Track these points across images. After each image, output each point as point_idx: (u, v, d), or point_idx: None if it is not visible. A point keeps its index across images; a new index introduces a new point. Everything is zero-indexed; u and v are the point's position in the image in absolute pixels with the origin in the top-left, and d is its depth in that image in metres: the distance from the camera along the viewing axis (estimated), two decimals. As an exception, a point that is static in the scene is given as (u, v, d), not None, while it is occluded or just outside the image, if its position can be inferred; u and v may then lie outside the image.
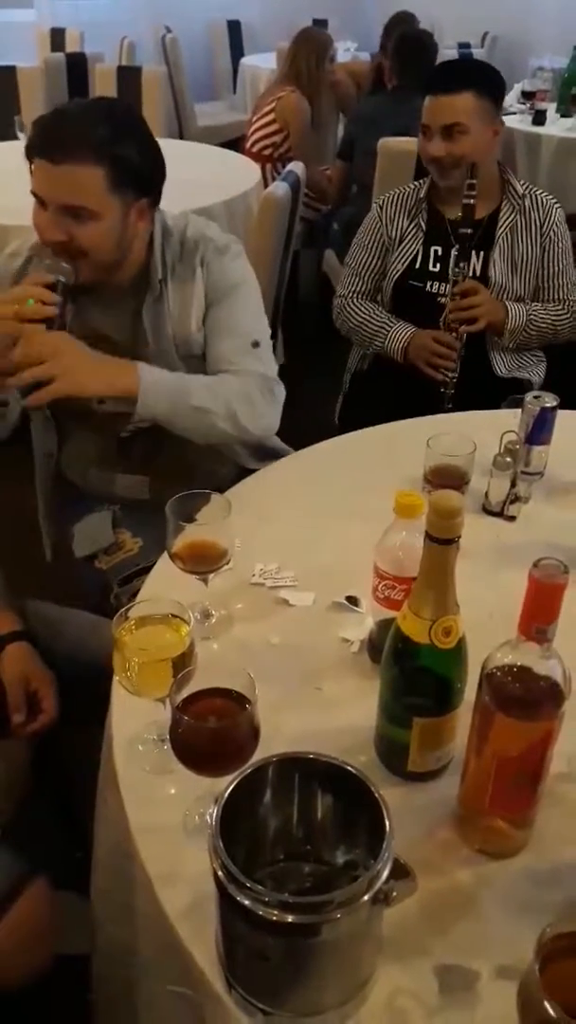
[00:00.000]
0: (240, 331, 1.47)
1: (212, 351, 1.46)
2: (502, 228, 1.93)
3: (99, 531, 1.57)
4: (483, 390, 1.88)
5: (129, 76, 4.14)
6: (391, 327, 1.96)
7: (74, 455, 1.62)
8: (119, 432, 1.54)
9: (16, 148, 3.46)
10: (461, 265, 1.87)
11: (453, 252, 1.90)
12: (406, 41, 3.46)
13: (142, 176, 1.37)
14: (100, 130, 1.31)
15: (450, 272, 1.91)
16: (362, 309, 2.02)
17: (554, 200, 1.95)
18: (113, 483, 1.60)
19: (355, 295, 2.05)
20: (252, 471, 1.48)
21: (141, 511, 1.55)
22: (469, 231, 1.86)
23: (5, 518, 1.64)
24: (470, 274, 1.92)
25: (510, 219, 1.93)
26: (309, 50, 3.76)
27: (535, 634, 0.73)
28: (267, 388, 1.44)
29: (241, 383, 1.41)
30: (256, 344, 1.47)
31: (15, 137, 3.16)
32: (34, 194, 1.33)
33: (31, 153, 1.32)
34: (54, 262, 1.33)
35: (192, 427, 1.39)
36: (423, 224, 1.96)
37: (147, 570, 1.20)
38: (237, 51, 6.13)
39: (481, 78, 1.89)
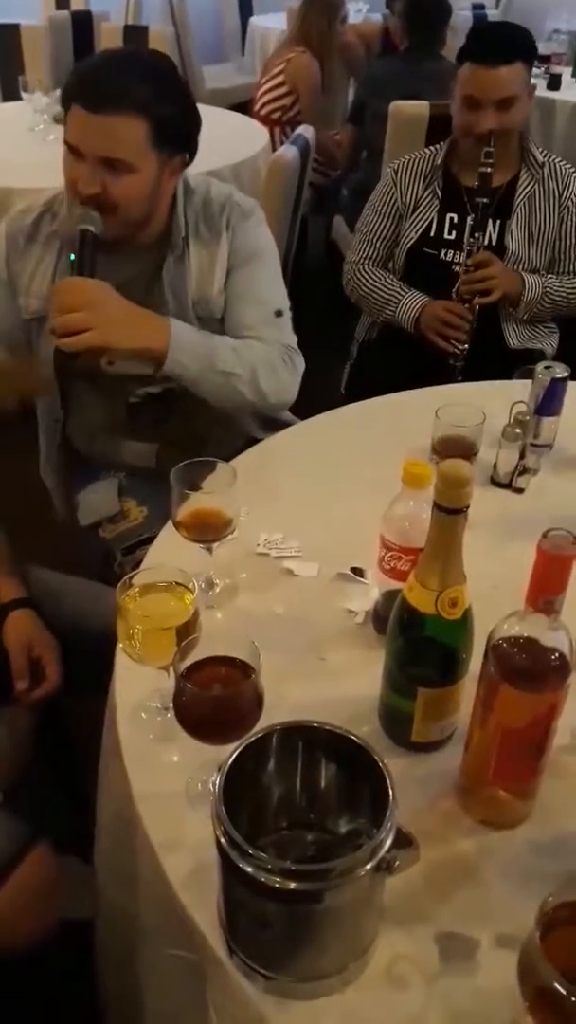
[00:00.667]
0: (263, 299, 1.47)
1: (234, 318, 1.45)
2: (520, 197, 1.89)
3: (104, 500, 1.56)
4: (495, 362, 1.86)
5: (135, 35, 4.06)
6: (403, 296, 1.93)
7: (81, 421, 1.60)
8: (128, 397, 1.53)
9: (21, 109, 3.43)
10: (476, 235, 1.85)
11: (469, 221, 1.87)
12: (416, 3, 3.37)
13: (180, 133, 1.35)
14: (145, 83, 1.29)
15: (465, 242, 1.88)
16: (373, 276, 1.99)
17: (573, 169, 1.92)
18: (120, 450, 1.59)
19: (367, 261, 2.02)
20: (259, 441, 1.47)
21: (147, 480, 1.54)
22: (485, 200, 1.83)
23: (8, 487, 1.63)
24: (486, 243, 1.89)
25: (528, 188, 1.89)
26: (320, 10, 3.67)
27: (543, 605, 0.72)
28: (289, 358, 1.45)
29: (266, 350, 1.42)
30: (279, 313, 1.48)
31: (19, 97, 3.10)
32: (68, 144, 1.30)
33: (69, 99, 1.29)
34: (84, 212, 1.31)
35: (214, 390, 1.38)
36: (439, 191, 1.93)
37: (151, 540, 1.19)
38: (246, 11, 5.98)
39: (526, 46, 1.82)
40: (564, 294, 1.91)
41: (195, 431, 1.53)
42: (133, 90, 1.27)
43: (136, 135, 1.28)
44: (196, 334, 1.37)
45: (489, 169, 1.81)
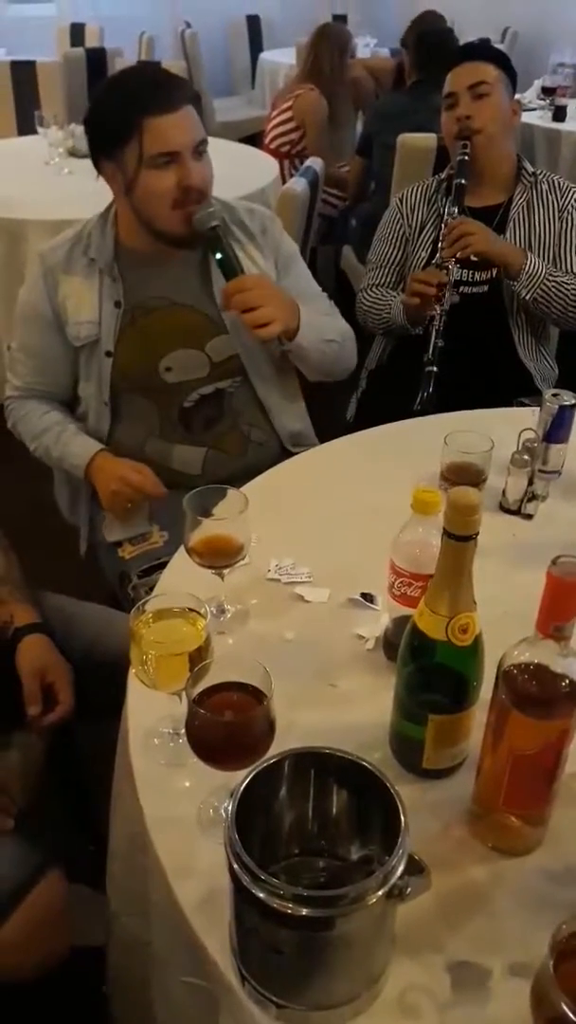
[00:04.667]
0: (316, 293, 1.67)
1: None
2: (516, 208, 1.93)
3: (135, 517, 1.57)
4: (500, 378, 1.88)
5: (148, 71, 4.14)
6: (396, 298, 1.96)
7: (132, 430, 1.61)
8: (182, 402, 1.57)
9: (36, 143, 3.50)
10: (452, 210, 1.88)
11: (447, 203, 1.90)
12: (426, 37, 3.43)
13: (202, 114, 1.47)
14: (176, 75, 1.46)
15: (443, 217, 1.90)
16: (374, 294, 2.04)
17: (573, 185, 1.95)
18: (171, 455, 1.60)
19: (373, 287, 2.06)
20: (290, 453, 1.57)
21: (176, 503, 1.56)
22: (463, 181, 1.88)
23: (22, 513, 1.65)
24: None
25: (524, 197, 1.93)
26: (330, 46, 3.75)
27: (553, 632, 0.73)
28: (352, 331, 1.69)
29: (345, 324, 1.66)
30: (330, 298, 1.68)
31: (35, 132, 3.17)
32: (162, 154, 1.37)
33: (139, 116, 1.36)
34: (204, 210, 1.42)
35: (319, 360, 1.59)
36: (443, 204, 1.95)
37: (165, 564, 1.20)
38: (256, 46, 6.12)
39: (500, 55, 1.97)
40: (568, 290, 1.87)
41: (240, 434, 1.61)
42: (180, 83, 1.44)
43: (198, 117, 1.42)
44: (308, 312, 1.53)
45: (466, 156, 1.88)
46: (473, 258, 1.88)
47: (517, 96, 1.98)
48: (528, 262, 1.85)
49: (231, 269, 1.44)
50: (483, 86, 1.87)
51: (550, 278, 1.86)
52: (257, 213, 1.59)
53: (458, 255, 1.83)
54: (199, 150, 1.40)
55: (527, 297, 1.87)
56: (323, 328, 1.57)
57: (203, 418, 1.60)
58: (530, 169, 1.95)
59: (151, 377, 1.54)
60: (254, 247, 1.56)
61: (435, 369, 1.80)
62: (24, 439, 1.64)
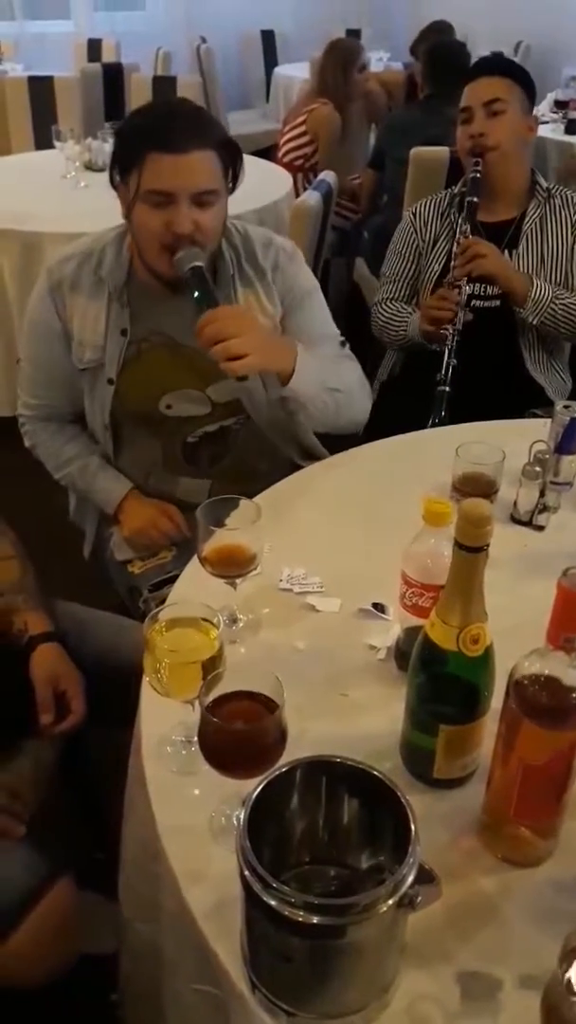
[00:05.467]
0: (328, 333, 1.56)
1: None
2: (529, 223, 1.93)
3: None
4: (511, 391, 1.88)
5: (165, 86, 4.20)
6: (413, 315, 1.97)
7: (136, 460, 1.61)
8: (186, 437, 1.56)
9: (53, 157, 3.54)
10: (465, 228, 1.88)
11: (461, 223, 1.91)
12: (438, 50, 3.46)
13: (233, 163, 1.41)
14: (207, 120, 1.38)
15: (456, 236, 1.91)
16: (390, 309, 2.05)
17: None
18: (176, 486, 1.61)
19: (388, 301, 2.07)
20: (300, 468, 1.52)
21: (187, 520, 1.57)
22: (476, 199, 1.88)
23: (37, 522, 1.66)
24: None
25: (537, 213, 1.94)
26: (336, 60, 3.79)
27: (564, 643, 0.73)
28: (365, 380, 1.57)
29: (355, 372, 1.54)
30: (344, 343, 1.56)
31: (52, 146, 3.21)
32: (155, 192, 1.33)
33: (144, 149, 1.32)
34: (186, 252, 1.35)
35: (320, 409, 1.46)
36: (456, 221, 1.97)
37: (175, 579, 1.21)
38: (271, 60, 6.18)
39: (519, 70, 1.96)
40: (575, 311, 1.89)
41: (248, 465, 1.59)
42: (204, 126, 1.36)
43: (215, 166, 1.36)
44: (309, 355, 1.42)
45: (478, 174, 1.88)
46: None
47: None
48: (534, 289, 1.86)
49: (210, 306, 1.32)
50: (498, 103, 1.87)
51: (557, 302, 1.87)
52: (274, 247, 1.51)
53: (470, 275, 1.85)
54: (203, 199, 1.34)
55: (534, 322, 1.89)
56: (326, 374, 1.45)
57: (208, 454, 1.58)
58: (544, 185, 1.95)
59: (152, 412, 1.52)
60: (261, 286, 1.50)
61: (447, 390, 1.80)
62: (46, 464, 1.64)
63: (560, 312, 1.87)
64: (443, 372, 1.82)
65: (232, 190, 1.43)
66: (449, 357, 1.83)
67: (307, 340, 1.48)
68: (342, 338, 1.57)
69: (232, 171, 1.41)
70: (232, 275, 1.48)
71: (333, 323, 1.58)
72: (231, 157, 1.39)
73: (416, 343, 1.96)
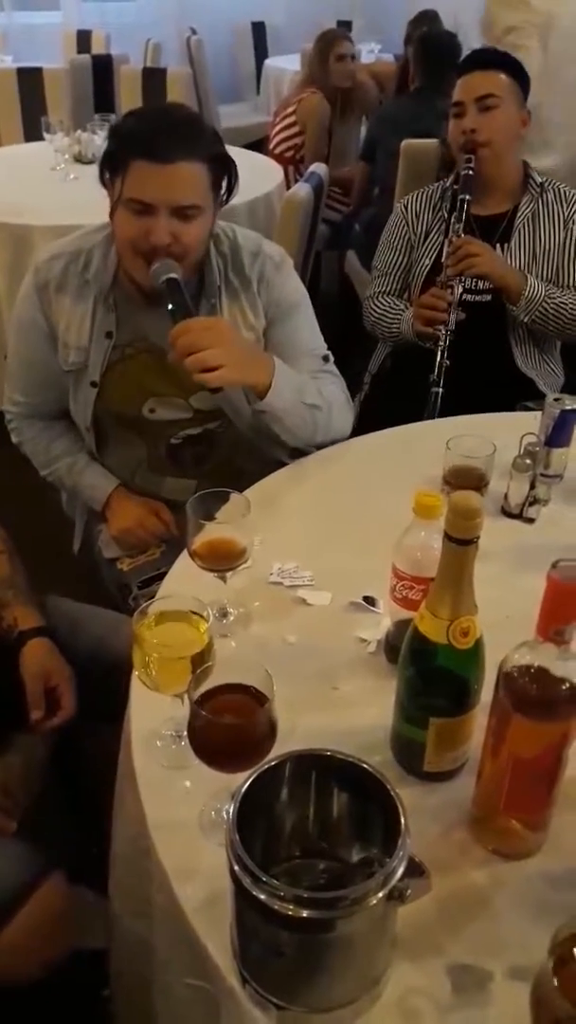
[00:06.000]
0: (310, 348, 1.52)
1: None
2: (521, 218, 1.93)
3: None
4: (502, 384, 1.88)
5: (155, 77, 4.17)
6: (406, 311, 1.97)
7: (121, 459, 1.60)
8: (169, 439, 1.56)
9: (42, 149, 3.52)
10: (456, 227, 1.87)
11: (453, 221, 1.90)
12: (428, 42, 3.45)
13: (225, 174, 1.38)
14: (199, 131, 1.34)
15: (448, 233, 1.90)
16: (383, 304, 2.04)
17: None
18: (161, 485, 1.61)
19: (381, 294, 2.07)
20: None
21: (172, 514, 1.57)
22: (468, 197, 1.87)
23: (27, 517, 1.65)
24: None
25: (530, 208, 1.93)
26: (316, 49, 3.79)
27: (553, 635, 0.73)
28: (348, 396, 1.53)
29: (336, 389, 1.50)
30: (327, 359, 1.52)
31: (41, 138, 3.19)
32: (135, 200, 1.30)
33: (128, 157, 1.29)
34: (161, 264, 1.32)
35: (297, 423, 1.41)
36: (447, 216, 1.96)
37: (165, 575, 1.21)
38: (261, 53, 6.13)
39: (513, 63, 1.93)
40: (569, 306, 1.89)
41: (233, 466, 1.57)
42: (194, 138, 1.32)
43: (202, 180, 1.32)
44: (288, 369, 1.39)
45: (470, 172, 1.86)
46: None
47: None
48: (528, 287, 1.86)
49: (184, 317, 1.28)
50: (491, 99, 1.85)
51: (548, 300, 1.87)
52: (260, 258, 1.47)
53: (462, 275, 1.84)
54: (185, 213, 1.31)
55: (525, 320, 1.89)
56: (304, 389, 1.41)
57: (192, 454, 1.58)
58: (538, 179, 1.94)
59: (135, 415, 1.51)
60: (246, 297, 1.47)
61: (441, 391, 1.79)
62: (33, 461, 1.64)
63: (551, 311, 1.88)
64: (436, 373, 1.81)
65: (225, 203, 1.41)
66: (442, 358, 1.82)
67: (290, 353, 1.46)
68: (326, 352, 1.53)
69: (227, 183, 1.38)
70: (219, 285, 1.45)
71: (320, 337, 1.55)
72: (222, 170, 1.36)
73: (409, 340, 1.96)
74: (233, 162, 1.39)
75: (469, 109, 1.87)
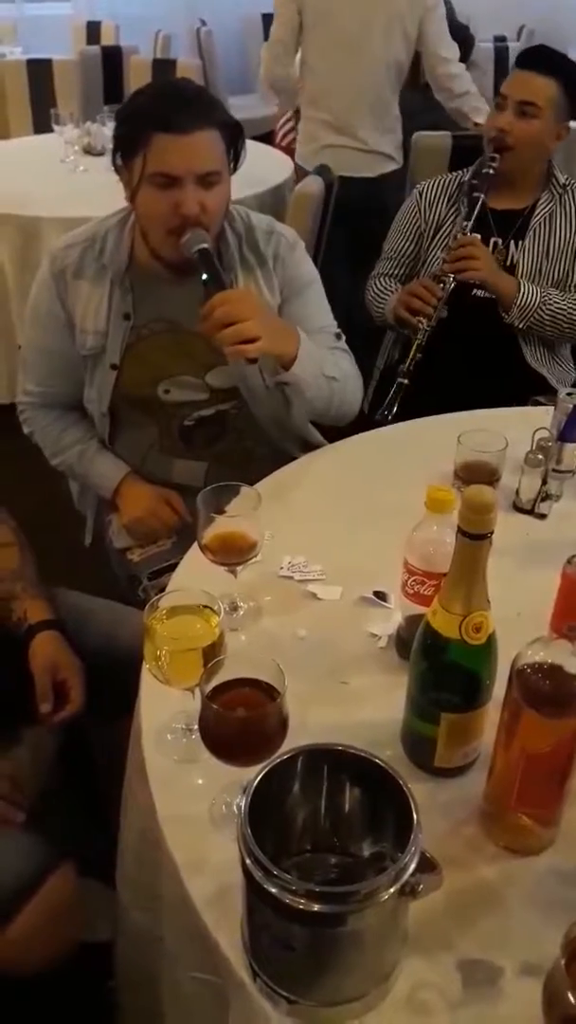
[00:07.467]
0: (323, 324, 1.55)
1: None
2: (538, 216, 1.92)
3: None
4: (512, 380, 1.87)
5: (164, 69, 4.16)
6: (394, 294, 1.96)
7: (133, 443, 1.61)
8: (182, 420, 1.56)
9: (52, 140, 3.51)
10: (465, 224, 1.86)
11: (463, 222, 1.88)
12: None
13: (236, 143, 1.39)
14: (210, 100, 1.37)
15: (456, 228, 1.89)
16: (380, 284, 2.04)
17: None
18: (171, 468, 1.61)
19: (383, 276, 2.06)
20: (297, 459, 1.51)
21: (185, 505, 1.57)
22: (481, 196, 1.86)
23: (37, 510, 1.66)
24: (502, 261, 1.91)
25: (548, 207, 1.92)
26: None
27: (567, 632, 0.73)
28: (358, 371, 1.57)
29: (350, 363, 1.54)
30: (339, 336, 1.56)
31: (51, 130, 3.18)
32: (161, 175, 1.31)
33: (148, 131, 1.30)
34: (194, 234, 1.34)
35: (317, 396, 1.46)
36: (463, 210, 1.95)
37: (175, 567, 1.21)
38: (272, 44, 6.10)
39: (570, 72, 1.87)
40: (567, 310, 1.88)
41: (244, 449, 1.58)
42: (207, 105, 1.35)
43: (219, 146, 1.35)
44: (309, 341, 1.42)
45: (491, 171, 1.85)
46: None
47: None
48: (520, 296, 1.85)
49: (218, 287, 1.32)
50: (531, 108, 1.81)
51: (544, 307, 1.87)
52: (275, 237, 1.50)
53: (458, 276, 1.82)
54: (208, 180, 1.33)
55: (520, 326, 1.88)
56: (324, 361, 1.45)
57: (204, 436, 1.58)
58: (561, 180, 1.92)
59: (150, 396, 1.52)
60: (262, 274, 1.49)
61: (406, 382, 1.78)
62: (44, 451, 1.64)
63: (547, 317, 1.88)
64: (407, 365, 1.79)
65: (234, 170, 1.42)
66: (416, 351, 1.80)
67: (305, 329, 1.47)
68: (338, 331, 1.56)
69: (234, 151, 1.39)
70: (235, 260, 1.47)
71: (331, 315, 1.58)
72: (233, 137, 1.38)
73: (388, 324, 1.95)
74: (241, 128, 1.41)
75: (509, 107, 1.84)
